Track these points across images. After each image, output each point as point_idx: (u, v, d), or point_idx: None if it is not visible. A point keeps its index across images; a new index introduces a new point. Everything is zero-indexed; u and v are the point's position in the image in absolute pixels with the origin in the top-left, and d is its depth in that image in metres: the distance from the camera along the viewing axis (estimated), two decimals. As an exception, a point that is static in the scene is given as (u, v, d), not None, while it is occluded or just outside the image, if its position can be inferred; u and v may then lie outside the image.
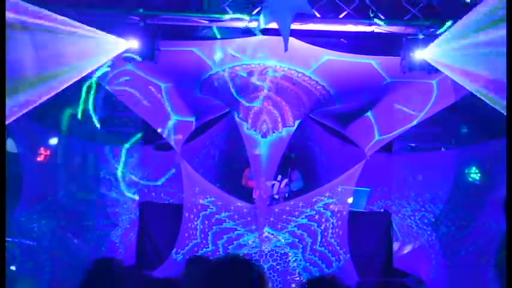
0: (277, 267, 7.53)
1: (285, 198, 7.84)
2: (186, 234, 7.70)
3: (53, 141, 7.77)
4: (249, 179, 7.93)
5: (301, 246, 7.62)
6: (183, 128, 7.97)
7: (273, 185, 7.72)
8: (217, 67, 7.21)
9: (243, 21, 6.38)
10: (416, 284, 7.41)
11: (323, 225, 7.69)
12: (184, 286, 4.01)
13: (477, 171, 7.92)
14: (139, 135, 8.08)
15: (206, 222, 7.66)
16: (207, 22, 6.57)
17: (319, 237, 7.67)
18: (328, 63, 7.05)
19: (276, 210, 7.59)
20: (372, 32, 6.48)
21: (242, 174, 8.06)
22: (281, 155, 7.47)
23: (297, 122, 7.57)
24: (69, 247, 7.43)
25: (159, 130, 7.75)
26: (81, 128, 7.63)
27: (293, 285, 7.57)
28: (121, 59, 6.54)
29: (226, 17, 6.37)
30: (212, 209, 7.67)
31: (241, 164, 8.06)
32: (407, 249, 7.99)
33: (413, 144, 8.43)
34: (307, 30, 6.49)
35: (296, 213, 7.63)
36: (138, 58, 6.45)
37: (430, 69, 6.39)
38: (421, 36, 6.36)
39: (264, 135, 7.40)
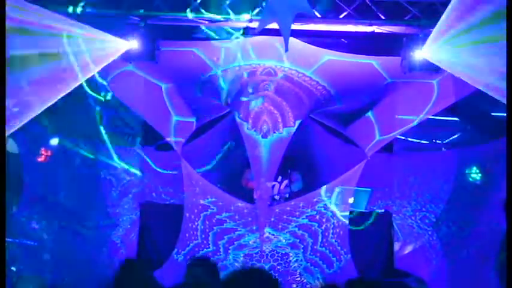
0: (278, 267, 7.54)
1: (285, 198, 7.83)
2: (187, 235, 7.71)
3: (54, 141, 7.78)
4: (249, 180, 7.92)
5: (302, 246, 7.62)
6: (184, 129, 7.97)
7: (273, 186, 7.71)
8: (218, 67, 7.21)
9: (243, 21, 6.38)
10: (417, 284, 7.40)
11: (324, 226, 7.69)
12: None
13: (478, 171, 7.91)
14: (140, 135, 8.08)
15: (207, 222, 7.66)
16: (207, 22, 6.57)
17: (320, 238, 7.67)
18: (329, 63, 7.05)
19: (277, 210, 7.59)
20: (373, 32, 6.48)
21: (242, 175, 8.06)
22: (282, 156, 7.48)
23: (297, 122, 7.57)
24: (70, 247, 7.43)
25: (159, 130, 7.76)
26: (82, 128, 7.64)
27: (294, 286, 7.58)
28: (122, 60, 6.55)
29: (227, 17, 6.38)
30: (213, 209, 7.67)
31: (242, 165, 8.05)
32: (408, 249, 7.98)
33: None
34: (308, 30, 6.50)
35: (297, 213, 7.63)
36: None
37: (430, 69, 6.39)
38: (421, 36, 6.36)
39: (264, 136, 7.41)
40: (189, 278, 4.08)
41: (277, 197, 7.78)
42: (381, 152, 7.94)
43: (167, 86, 7.65)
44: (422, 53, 6.24)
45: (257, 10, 6.31)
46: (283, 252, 7.56)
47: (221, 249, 7.53)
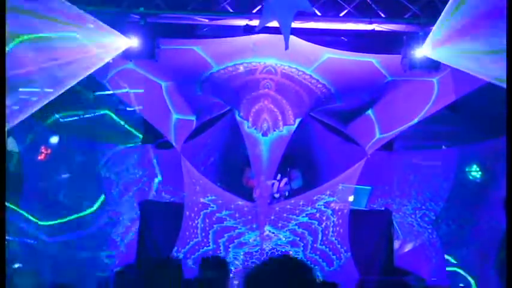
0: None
1: (285, 196, 7.83)
2: (187, 233, 7.70)
3: (54, 140, 7.78)
4: (249, 179, 7.92)
5: (302, 244, 7.62)
6: (184, 127, 7.97)
7: (273, 184, 7.71)
8: (218, 66, 7.21)
9: (243, 19, 6.38)
10: (417, 282, 7.40)
11: (324, 224, 7.69)
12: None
13: (478, 169, 7.92)
14: (140, 133, 8.08)
15: (207, 220, 7.66)
16: (207, 21, 6.57)
17: (320, 236, 7.67)
18: (329, 61, 7.04)
19: (277, 208, 7.59)
20: (373, 30, 6.47)
21: (242, 173, 8.06)
22: (282, 154, 7.47)
23: (297, 120, 7.57)
24: (70, 245, 7.43)
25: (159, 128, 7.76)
26: (82, 126, 7.64)
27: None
28: (122, 58, 6.54)
29: (227, 15, 6.38)
30: (213, 207, 7.67)
31: (242, 163, 8.05)
32: (408, 247, 7.99)
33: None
34: (308, 28, 6.49)
35: (297, 211, 7.63)
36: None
37: (430, 67, 6.39)
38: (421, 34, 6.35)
39: (264, 134, 7.40)
40: (202, 276, 4.10)
41: (277, 195, 7.77)
42: (381, 150, 7.95)
43: (167, 84, 7.65)
44: (422, 51, 6.23)
45: (257, 8, 6.31)
46: (283, 251, 7.54)
47: (221, 248, 7.53)
